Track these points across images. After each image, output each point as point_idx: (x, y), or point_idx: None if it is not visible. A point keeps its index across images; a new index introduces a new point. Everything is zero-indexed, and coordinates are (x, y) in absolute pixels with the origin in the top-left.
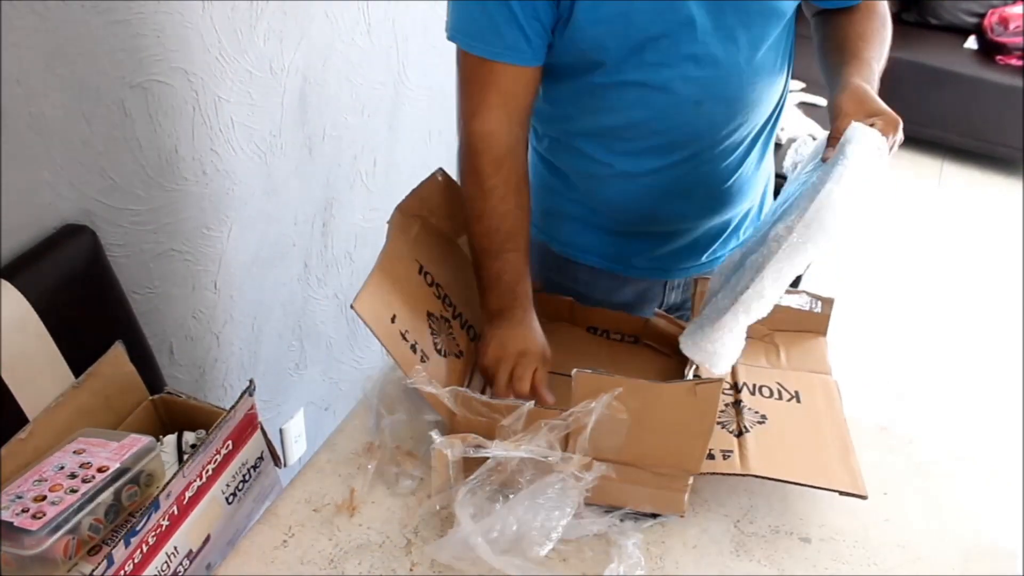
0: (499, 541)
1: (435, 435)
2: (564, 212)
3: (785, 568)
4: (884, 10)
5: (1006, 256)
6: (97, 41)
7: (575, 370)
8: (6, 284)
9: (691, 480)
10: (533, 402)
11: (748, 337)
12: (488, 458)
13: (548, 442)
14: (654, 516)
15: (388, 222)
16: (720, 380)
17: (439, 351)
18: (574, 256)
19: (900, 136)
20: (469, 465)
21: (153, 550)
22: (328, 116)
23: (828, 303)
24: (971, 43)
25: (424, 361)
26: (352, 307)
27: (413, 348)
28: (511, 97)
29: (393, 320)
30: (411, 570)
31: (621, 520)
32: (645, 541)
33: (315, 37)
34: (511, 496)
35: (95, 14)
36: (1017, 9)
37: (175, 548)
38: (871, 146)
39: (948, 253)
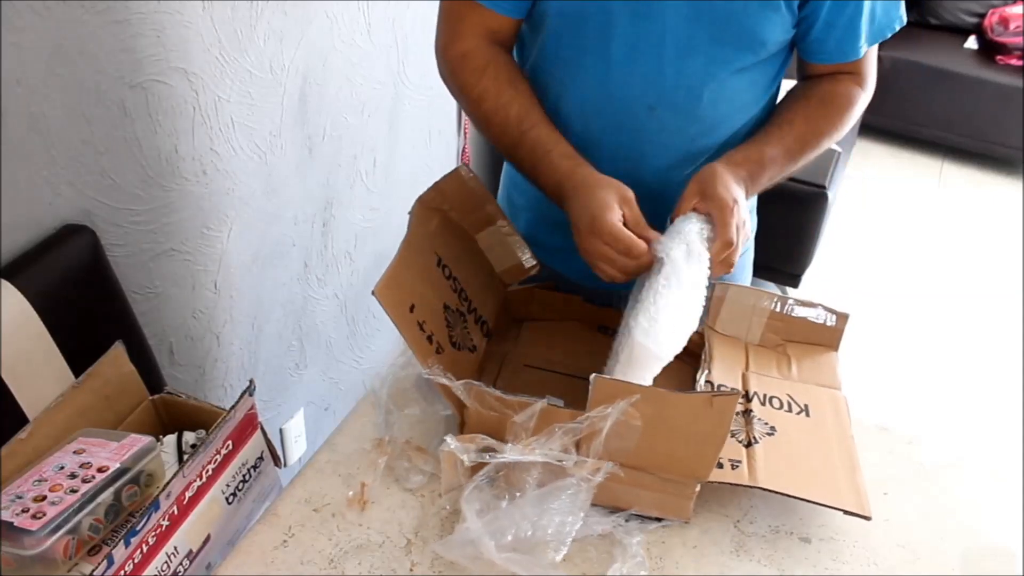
0: (512, 545)
1: (449, 439)
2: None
3: (785, 568)
4: (854, 100)
5: (1006, 256)
6: (97, 41)
7: (594, 375)
8: (6, 284)
9: (698, 487)
10: (546, 400)
11: (760, 346)
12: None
13: (563, 446)
14: (659, 519)
15: (409, 212)
16: (737, 393)
17: (454, 344)
18: (586, 282)
19: (738, 219)
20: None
21: (153, 550)
22: (328, 116)
23: (843, 318)
24: (971, 43)
25: (439, 353)
26: (373, 293)
27: (429, 339)
28: (487, 33)
29: (412, 310)
30: (411, 570)
31: (626, 521)
32: (646, 541)
33: (315, 37)
34: (518, 494)
35: (95, 14)
36: (1017, 9)
37: (175, 548)
38: (688, 247)
39: (948, 253)
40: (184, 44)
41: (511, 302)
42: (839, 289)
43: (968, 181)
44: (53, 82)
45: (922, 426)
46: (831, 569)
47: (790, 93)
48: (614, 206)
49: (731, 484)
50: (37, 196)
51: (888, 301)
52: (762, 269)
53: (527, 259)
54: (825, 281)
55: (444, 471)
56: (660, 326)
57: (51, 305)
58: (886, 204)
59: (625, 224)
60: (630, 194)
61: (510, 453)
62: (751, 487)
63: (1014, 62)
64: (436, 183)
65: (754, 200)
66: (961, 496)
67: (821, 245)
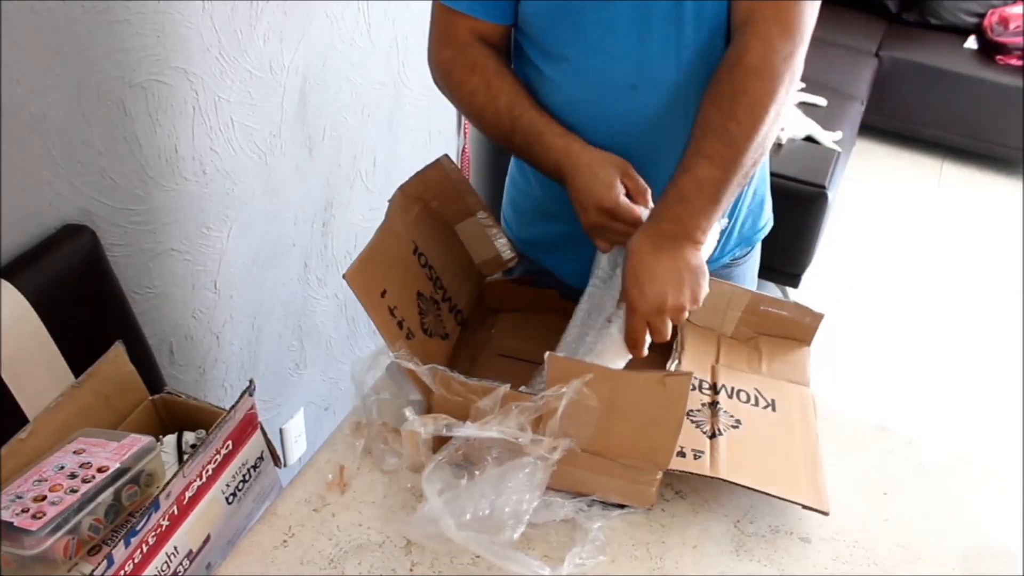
0: (471, 524)
1: (408, 412)
2: (558, 234)
3: (785, 568)
4: (769, 70)
5: (1006, 256)
6: (97, 41)
7: (547, 352)
8: (6, 284)
9: (660, 474)
10: (508, 385)
11: (733, 339)
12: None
13: (519, 424)
14: (622, 506)
15: (389, 200)
16: (689, 374)
17: (425, 331)
18: (572, 282)
19: (647, 312)
20: (437, 441)
21: (153, 550)
22: (328, 116)
23: (817, 317)
24: (971, 43)
25: (410, 338)
26: (344, 277)
27: (400, 324)
28: (476, 38)
29: (383, 295)
30: (411, 570)
31: (588, 506)
32: (645, 541)
33: (315, 37)
34: (477, 472)
35: (95, 14)
36: (1017, 9)
37: (175, 548)
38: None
39: (948, 253)
40: (184, 44)
41: (488, 293)
42: (839, 289)
43: (968, 181)
44: (53, 82)
45: (922, 426)
46: (831, 569)
47: (704, 99)
48: (615, 183)
49: (692, 474)
50: (37, 196)
51: (888, 301)
52: (762, 269)
53: (505, 251)
54: (825, 281)
55: (406, 449)
56: None
57: (51, 305)
58: (886, 204)
59: (628, 196)
60: (629, 167)
61: (467, 429)
62: (712, 478)
63: (1014, 62)
64: (419, 172)
65: (761, 198)
66: (961, 496)
67: (821, 245)
